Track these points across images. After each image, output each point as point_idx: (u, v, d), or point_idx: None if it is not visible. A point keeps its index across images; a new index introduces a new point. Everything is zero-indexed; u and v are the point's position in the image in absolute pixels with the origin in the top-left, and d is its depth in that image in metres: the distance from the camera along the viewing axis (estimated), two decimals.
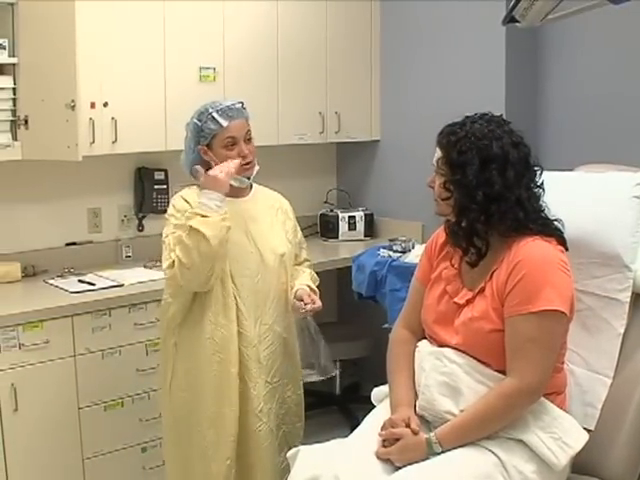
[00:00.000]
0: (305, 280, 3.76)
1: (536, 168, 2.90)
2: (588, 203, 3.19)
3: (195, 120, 3.58)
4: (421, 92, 5.53)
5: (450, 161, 2.85)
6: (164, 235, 3.51)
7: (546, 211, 2.91)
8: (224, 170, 3.42)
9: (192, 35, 4.81)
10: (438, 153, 2.91)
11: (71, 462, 4.14)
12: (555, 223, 2.90)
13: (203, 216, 3.34)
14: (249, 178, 3.63)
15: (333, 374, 3.73)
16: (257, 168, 3.64)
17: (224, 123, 3.52)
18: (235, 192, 3.59)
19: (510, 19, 3.13)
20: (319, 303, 3.63)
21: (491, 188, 2.77)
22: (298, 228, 3.87)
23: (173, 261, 3.38)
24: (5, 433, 3.91)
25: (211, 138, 3.54)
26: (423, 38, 5.48)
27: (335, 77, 5.58)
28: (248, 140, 3.60)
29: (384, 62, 5.79)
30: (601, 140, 4.69)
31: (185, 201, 3.54)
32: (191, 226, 3.33)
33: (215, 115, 3.53)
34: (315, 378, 3.70)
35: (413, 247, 4.94)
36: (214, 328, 3.51)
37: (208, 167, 3.58)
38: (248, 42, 5.09)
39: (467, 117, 2.91)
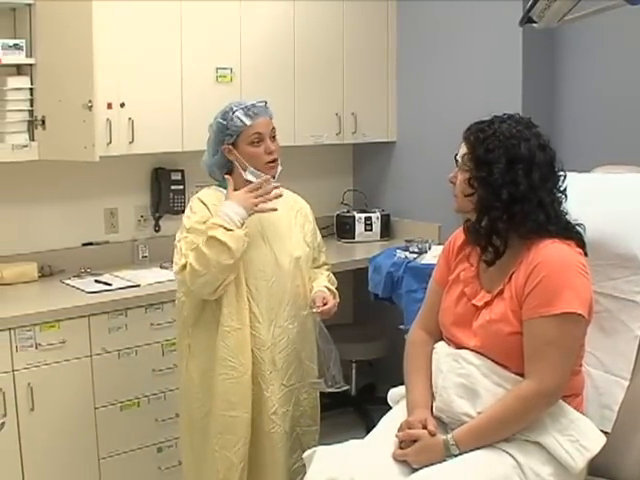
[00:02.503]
0: (323, 282, 3.75)
1: (560, 173, 2.89)
2: (606, 204, 3.18)
3: (219, 119, 3.57)
4: (437, 93, 5.53)
5: (476, 158, 2.84)
6: (177, 239, 3.52)
7: (567, 217, 2.90)
8: (263, 201, 3.43)
9: (209, 36, 4.82)
10: (463, 149, 2.90)
11: (87, 462, 4.15)
12: (576, 227, 2.89)
13: (227, 229, 3.35)
14: (274, 177, 3.61)
15: (343, 388, 3.65)
16: (280, 168, 3.63)
17: (250, 120, 3.52)
18: None
19: (527, 20, 3.12)
20: (331, 305, 3.62)
21: (516, 188, 2.76)
22: (318, 232, 3.87)
23: (184, 265, 3.39)
24: (21, 433, 3.92)
25: (237, 136, 3.53)
26: (439, 39, 5.48)
27: (352, 78, 5.58)
28: (273, 137, 3.59)
29: (400, 63, 5.79)
30: (619, 141, 4.67)
31: (202, 203, 3.54)
32: (214, 237, 3.33)
33: (240, 113, 3.52)
34: (322, 388, 3.67)
35: (430, 248, 4.93)
36: (227, 331, 3.50)
37: (231, 168, 3.59)
38: (265, 43, 5.10)
39: (495, 116, 2.90)
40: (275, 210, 3.51)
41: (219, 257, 3.33)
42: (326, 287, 3.72)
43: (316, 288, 3.70)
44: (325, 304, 3.59)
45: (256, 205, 3.43)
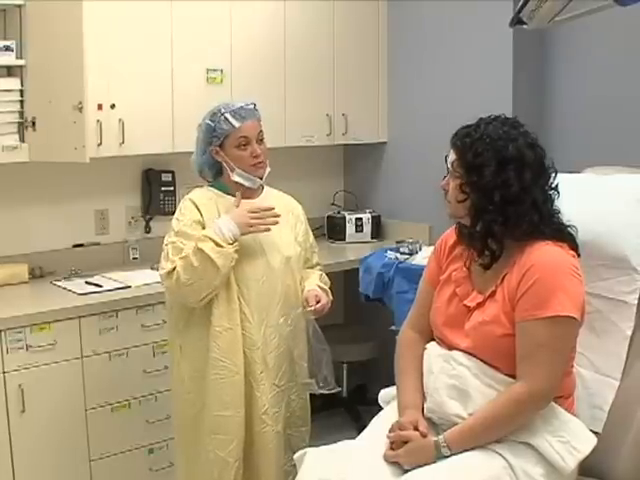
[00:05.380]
0: (314, 281, 3.76)
1: (551, 170, 2.90)
2: (596, 205, 3.18)
3: (207, 121, 3.59)
4: (428, 94, 5.53)
5: (466, 163, 2.83)
6: (165, 241, 3.54)
7: (559, 215, 2.90)
8: (260, 224, 3.48)
9: (199, 37, 4.81)
10: (452, 156, 2.90)
11: (78, 463, 4.14)
12: (568, 229, 2.89)
13: (217, 244, 3.38)
14: (261, 178, 3.64)
15: (334, 390, 3.66)
16: (268, 170, 3.65)
17: (237, 123, 3.54)
18: (246, 194, 3.61)
19: (517, 21, 3.13)
20: (324, 302, 3.62)
21: (508, 190, 2.76)
22: (310, 232, 3.88)
23: (171, 271, 3.43)
24: (12, 434, 3.92)
25: (224, 138, 3.56)
26: (430, 39, 5.48)
27: (342, 79, 5.58)
28: (260, 141, 3.61)
29: (391, 64, 5.79)
30: (609, 142, 4.67)
31: (193, 203, 3.56)
32: (202, 250, 3.37)
33: (228, 115, 3.54)
34: (314, 389, 3.67)
35: (420, 249, 4.93)
36: (219, 331, 3.51)
37: (219, 168, 3.61)
38: (255, 44, 5.10)
39: (481, 119, 2.90)
40: (269, 230, 3.53)
41: (206, 270, 3.38)
42: (318, 286, 3.72)
43: (308, 287, 3.70)
44: (318, 302, 3.59)
45: (251, 226, 3.47)
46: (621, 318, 3.09)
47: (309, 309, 3.58)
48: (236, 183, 3.59)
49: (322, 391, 3.63)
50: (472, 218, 2.87)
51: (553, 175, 2.91)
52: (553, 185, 2.90)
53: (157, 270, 3.61)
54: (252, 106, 3.63)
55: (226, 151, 3.57)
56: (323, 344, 3.61)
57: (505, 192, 2.77)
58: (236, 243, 3.45)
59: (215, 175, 3.70)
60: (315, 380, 3.62)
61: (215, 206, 3.58)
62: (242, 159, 3.56)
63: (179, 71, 4.76)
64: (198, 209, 3.55)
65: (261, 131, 3.62)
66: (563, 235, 2.86)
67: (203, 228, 3.51)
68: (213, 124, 3.57)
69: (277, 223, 3.54)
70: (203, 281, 3.41)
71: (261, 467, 3.64)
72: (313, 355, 3.63)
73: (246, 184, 3.59)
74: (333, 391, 3.66)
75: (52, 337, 4.00)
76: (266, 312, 3.59)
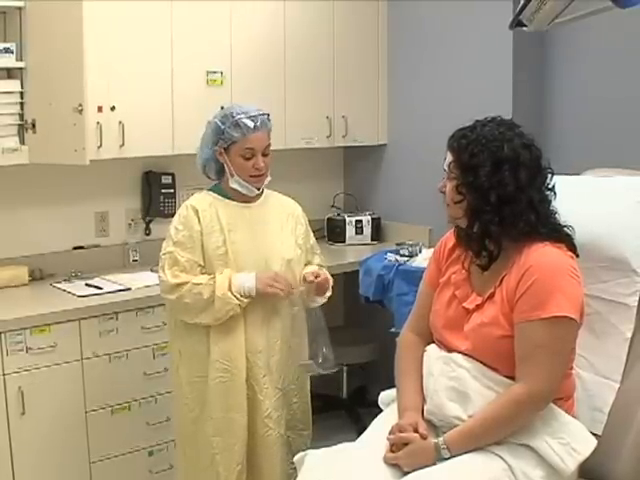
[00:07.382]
0: (314, 265, 3.78)
1: (547, 170, 2.90)
2: (596, 207, 3.18)
3: (218, 121, 3.56)
4: (428, 96, 5.52)
5: (462, 164, 2.84)
6: (163, 249, 3.55)
7: (557, 216, 2.90)
8: (282, 291, 3.53)
9: (199, 38, 4.81)
10: (449, 157, 2.91)
11: (78, 466, 4.14)
12: (565, 229, 2.89)
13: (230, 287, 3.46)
14: (259, 189, 3.63)
15: (335, 369, 3.67)
16: (268, 179, 3.65)
17: (247, 133, 3.51)
18: (245, 198, 3.60)
19: (517, 23, 3.12)
20: (323, 275, 3.66)
21: (504, 189, 2.77)
22: (311, 234, 3.87)
23: (176, 285, 3.50)
24: (12, 437, 3.91)
25: (230, 144, 3.53)
26: (430, 40, 5.47)
27: (342, 81, 5.58)
28: (265, 154, 3.58)
29: (391, 66, 5.79)
30: (609, 144, 4.67)
31: (193, 210, 3.56)
32: (214, 289, 3.45)
33: (240, 123, 3.51)
34: (313, 369, 3.66)
35: (420, 251, 4.93)
36: (219, 337, 3.52)
37: (222, 167, 3.60)
38: (255, 45, 5.10)
39: (477, 121, 2.91)
40: (283, 295, 3.56)
41: (196, 315, 3.51)
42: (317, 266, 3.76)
43: (305, 270, 3.72)
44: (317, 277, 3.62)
45: (270, 285, 3.50)
46: (621, 320, 3.09)
47: (308, 281, 3.60)
48: (232, 189, 3.59)
49: (321, 370, 3.62)
50: (469, 219, 2.88)
51: (550, 175, 2.91)
52: (550, 185, 2.91)
53: (157, 272, 3.63)
54: (265, 116, 3.60)
55: (230, 156, 3.55)
56: (323, 325, 3.60)
57: (501, 192, 2.78)
58: (246, 300, 3.48)
59: (218, 172, 3.68)
60: (315, 360, 3.61)
61: (215, 211, 3.58)
62: (243, 169, 3.55)
63: (179, 73, 4.75)
64: (198, 216, 3.54)
65: (269, 145, 3.59)
66: (560, 235, 2.86)
67: (202, 237, 3.52)
68: (223, 127, 3.53)
69: (291, 294, 3.57)
70: (197, 311, 3.49)
71: (265, 470, 3.65)
72: (313, 336, 3.63)
73: (243, 191, 3.59)
74: (334, 370, 3.67)
75: (52, 339, 4.00)
76: (269, 316, 3.59)
